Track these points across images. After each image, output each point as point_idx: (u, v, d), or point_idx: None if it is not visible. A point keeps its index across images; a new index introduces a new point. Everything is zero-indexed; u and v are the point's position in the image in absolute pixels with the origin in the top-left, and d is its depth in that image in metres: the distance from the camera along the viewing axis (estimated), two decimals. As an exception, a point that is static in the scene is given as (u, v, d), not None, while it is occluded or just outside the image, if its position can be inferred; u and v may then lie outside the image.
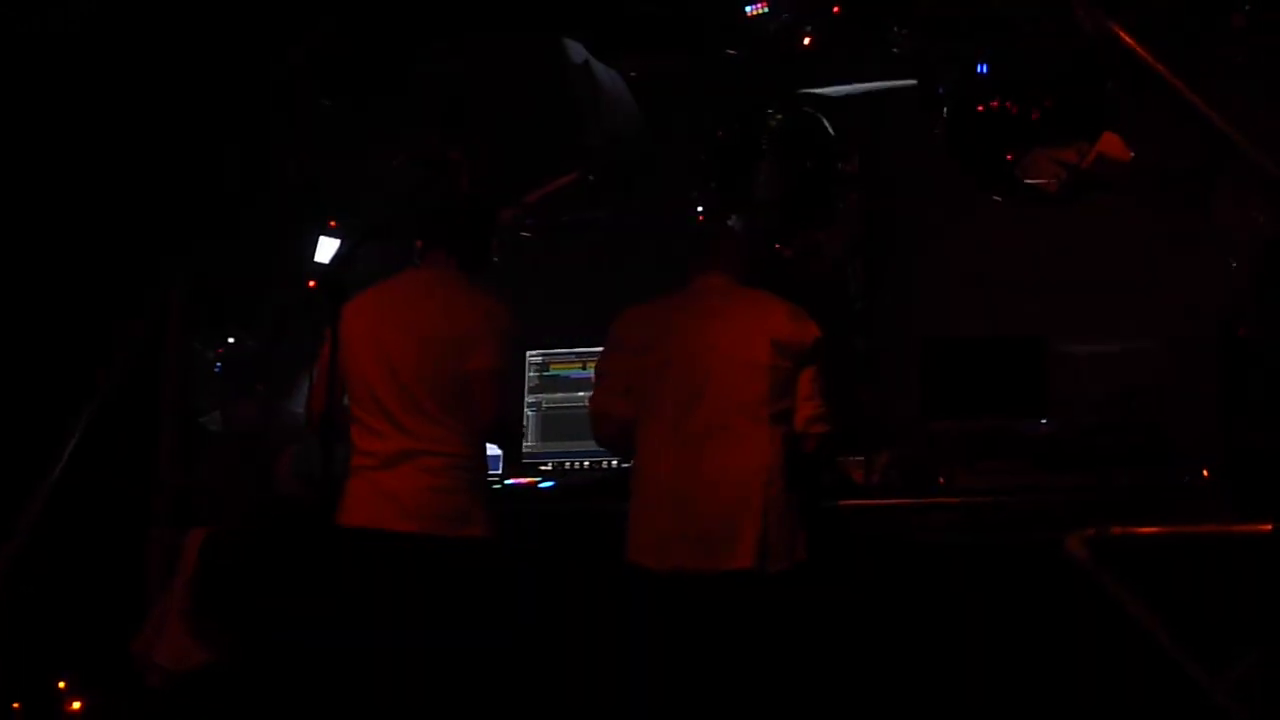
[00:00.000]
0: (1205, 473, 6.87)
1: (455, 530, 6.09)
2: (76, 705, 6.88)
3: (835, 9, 6.99)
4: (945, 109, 7.24)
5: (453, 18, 7.41)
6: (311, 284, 6.12)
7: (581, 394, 7.14)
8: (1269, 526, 6.17)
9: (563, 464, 7.57)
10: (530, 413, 7.62)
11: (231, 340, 7.69)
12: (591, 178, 7.65)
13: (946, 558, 6.84)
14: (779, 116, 7.83)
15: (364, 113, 7.61)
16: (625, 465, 6.88)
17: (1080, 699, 6.69)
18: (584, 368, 7.34)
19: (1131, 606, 6.47)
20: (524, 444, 7.64)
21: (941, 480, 6.94)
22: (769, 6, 6.96)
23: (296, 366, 7.29)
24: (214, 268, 7.57)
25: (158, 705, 6.98)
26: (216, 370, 7.68)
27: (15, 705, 6.81)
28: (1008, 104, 7.10)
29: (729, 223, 7.17)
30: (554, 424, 7.48)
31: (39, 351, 7.38)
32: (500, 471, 7.25)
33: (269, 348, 7.73)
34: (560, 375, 7.53)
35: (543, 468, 7.57)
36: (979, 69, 7.14)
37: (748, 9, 6.99)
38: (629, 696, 6.20)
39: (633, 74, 7.71)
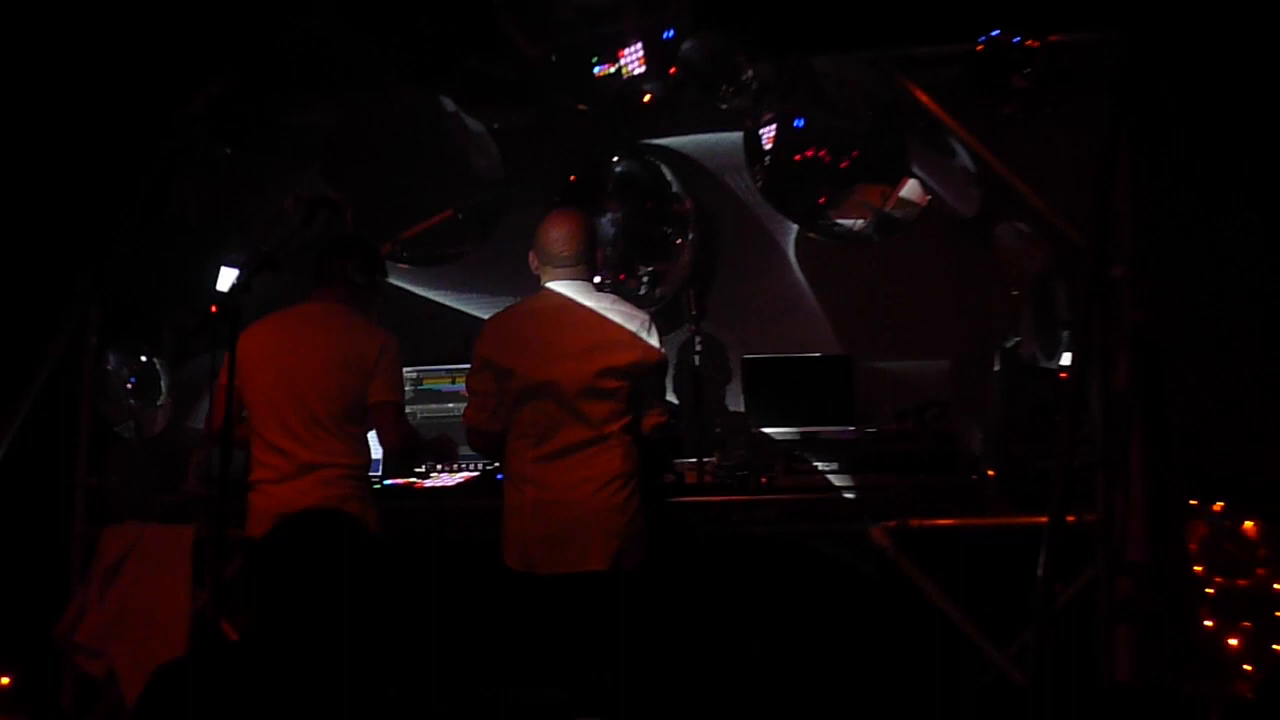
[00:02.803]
0: (990, 473, 7.03)
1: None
2: (4, 681, 6.87)
3: (672, 70, 6.99)
4: (767, 158, 7.33)
5: (331, 75, 7.38)
6: (213, 309, 6.06)
7: (451, 405, 7.18)
8: (1044, 518, 6.32)
9: (434, 466, 7.55)
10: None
11: (143, 358, 7.63)
12: (460, 215, 7.68)
13: (769, 546, 7.02)
14: (622, 163, 7.90)
15: (258, 156, 7.59)
16: (489, 466, 7.01)
17: (882, 668, 6.94)
18: (453, 382, 7.34)
19: (927, 587, 6.70)
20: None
21: (764, 480, 7.01)
22: (614, 68, 6.96)
23: (198, 382, 7.25)
24: (125, 293, 7.52)
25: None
26: (130, 384, 7.60)
27: None
28: (821, 154, 7.20)
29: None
30: (429, 430, 7.32)
31: None
32: (379, 473, 7.27)
33: (174, 365, 7.69)
34: (432, 389, 7.55)
35: (417, 470, 7.55)
36: (796, 123, 7.23)
37: (595, 69, 6.99)
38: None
39: (495, 125, 7.71)
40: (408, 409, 7.22)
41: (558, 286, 6.19)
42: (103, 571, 6.97)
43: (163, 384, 7.66)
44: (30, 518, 7.43)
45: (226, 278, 6.39)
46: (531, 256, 6.25)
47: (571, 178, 7.91)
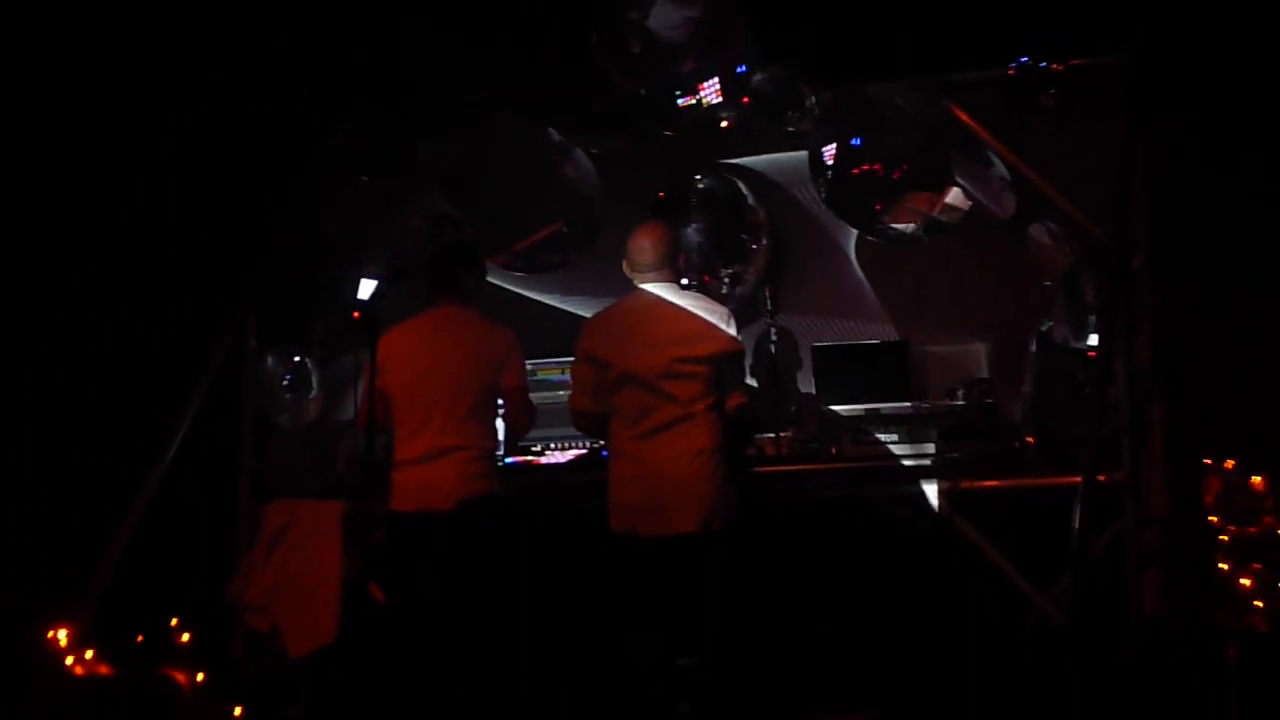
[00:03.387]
0: (1029, 440, 7.47)
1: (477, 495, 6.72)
2: (185, 637, 7.08)
3: (745, 99, 7.32)
4: (828, 173, 7.64)
5: (451, 110, 7.82)
6: (355, 315, 6.46)
7: (561, 392, 7.52)
8: (1078, 479, 6.71)
9: (548, 444, 8.06)
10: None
11: (295, 358, 8.08)
12: (565, 229, 8.04)
13: (838, 507, 7.48)
14: (704, 180, 8.30)
15: (389, 180, 7.99)
16: (595, 444, 7.51)
17: (937, 612, 7.37)
18: (562, 372, 7.74)
19: (976, 540, 7.16)
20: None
21: (833, 450, 7.52)
22: (695, 99, 7.21)
23: (345, 379, 7.60)
24: (278, 300, 7.99)
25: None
26: (285, 381, 8.06)
27: (139, 638, 7.03)
28: (876, 167, 7.53)
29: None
30: (540, 416, 7.65)
31: (151, 365, 7.94)
32: (501, 451, 7.53)
33: (323, 364, 8.14)
34: (545, 379, 7.95)
35: (533, 449, 8.04)
36: (854, 142, 7.55)
37: (679, 100, 7.24)
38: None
39: (594, 150, 8.12)
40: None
41: (647, 287, 6.67)
42: (266, 542, 7.42)
43: (313, 380, 8.10)
44: (202, 498, 7.86)
45: (366, 287, 6.53)
46: (624, 264, 6.73)
47: (660, 194, 8.28)
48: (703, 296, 6.88)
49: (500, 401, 6.93)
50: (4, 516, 7.55)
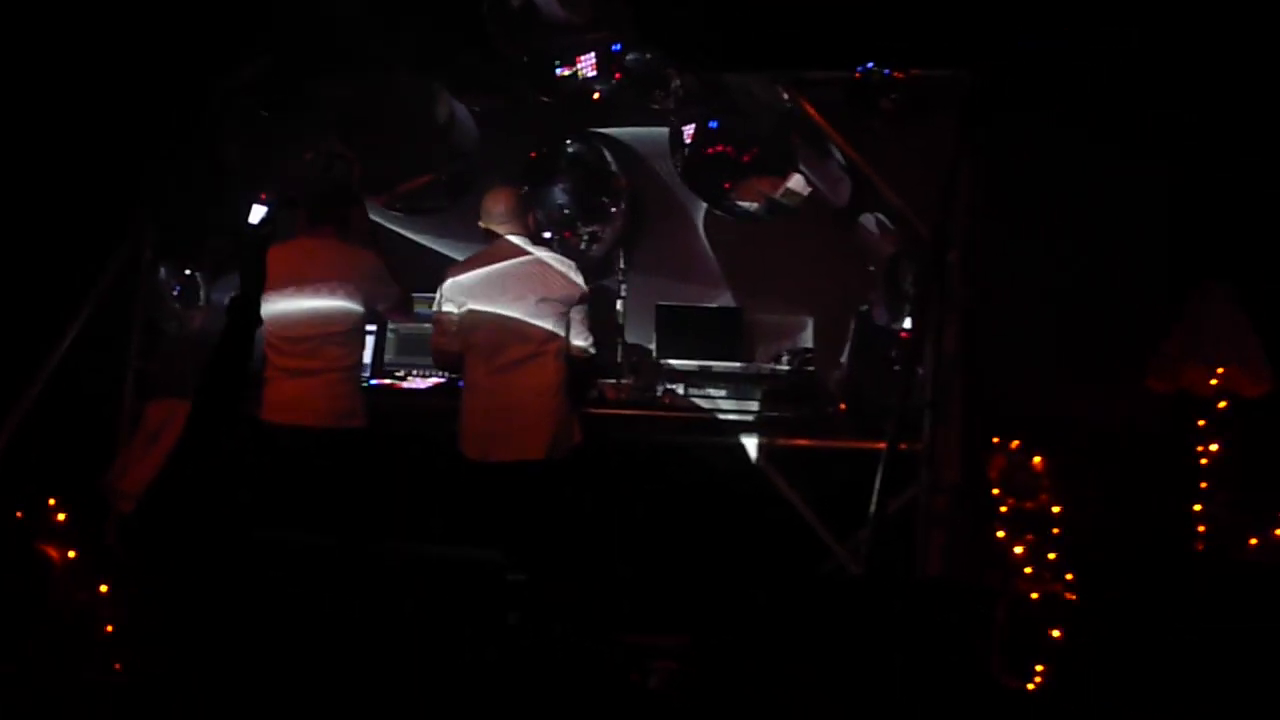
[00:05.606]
0: (842, 407, 7.59)
1: (345, 424, 6.75)
2: (61, 516, 6.96)
3: (617, 75, 7.34)
4: (686, 150, 7.69)
5: (350, 58, 7.65)
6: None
7: (427, 326, 7.28)
8: (882, 445, 6.89)
9: (411, 371, 8.04)
10: (391, 334, 8.09)
11: (187, 271, 8.00)
12: (442, 178, 8.04)
13: (667, 451, 7.45)
14: (573, 145, 8.25)
15: (287, 119, 7.88)
16: (453, 376, 7.35)
17: (745, 553, 7.35)
18: (429, 307, 7.40)
19: (787, 492, 7.32)
20: (385, 356, 8.08)
21: (666, 400, 7.60)
22: (571, 70, 7.26)
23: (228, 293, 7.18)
24: (177, 219, 7.89)
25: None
26: (175, 291, 7.97)
27: (19, 514, 6.93)
28: (728, 149, 7.59)
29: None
30: (406, 343, 8.01)
31: (56, 270, 7.80)
32: (367, 374, 7.65)
33: (212, 278, 8.06)
34: (417, 311, 7.64)
35: (397, 374, 8.04)
36: (710, 124, 7.61)
37: (556, 70, 7.30)
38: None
39: (476, 108, 8.09)
40: (392, 326, 7.93)
41: (507, 238, 6.80)
42: (145, 436, 7.25)
43: (202, 293, 8.00)
44: (89, 393, 7.79)
45: (257, 212, 6.53)
46: (481, 219, 6.89)
47: (533, 154, 8.26)
48: (551, 248, 7.05)
49: (382, 309, 7.02)
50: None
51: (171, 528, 6.30)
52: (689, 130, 7.67)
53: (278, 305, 6.73)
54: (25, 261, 7.84)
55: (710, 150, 7.64)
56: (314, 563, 6.40)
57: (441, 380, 7.78)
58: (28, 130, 7.88)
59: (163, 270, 7.98)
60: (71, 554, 6.85)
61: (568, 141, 8.27)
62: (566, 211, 8.11)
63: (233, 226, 7.17)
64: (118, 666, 6.55)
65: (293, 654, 6.06)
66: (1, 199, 7.86)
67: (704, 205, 8.25)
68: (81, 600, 6.76)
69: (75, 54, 7.86)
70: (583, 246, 8.09)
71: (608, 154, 8.29)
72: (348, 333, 6.80)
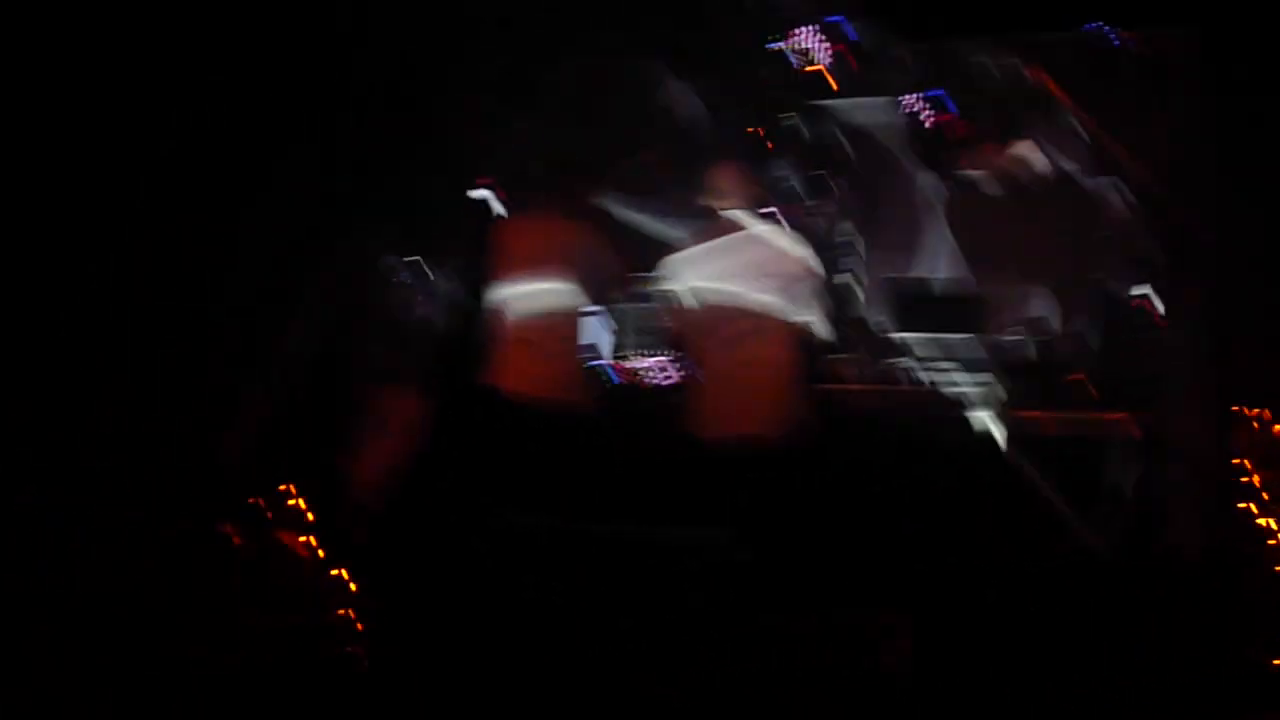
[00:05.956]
0: (1079, 377, 7.31)
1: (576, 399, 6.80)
2: (299, 503, 7.12)
3: (840, 47, 7.42)
4: (913, 121, 7.70)
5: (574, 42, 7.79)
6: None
7: (649, 305, 7.38)
8: (1123, 415, 6.77)
9: (634, 350, 7.93)
10: (615, 314, 7.90)
11: (414, 258, 8.00)
12: (664, 157, 8.06)
13: (899, 426, 7.29)
14: (796, 119, 8.20)
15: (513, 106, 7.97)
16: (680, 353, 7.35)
17: (984, 530, 7.13)
18: (653, 286, 7.29)
19: (1022, 465, 7.08)
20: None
21: (896, 374, 7.52)
22: (792, 44, 7.35)
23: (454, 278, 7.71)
24: (403, 210, 7.98)
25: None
26: (403, 279, 8.01)
27: (259, 501, 7.09)
28: (956, 118, 7.57)
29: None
30: (629, 323, 7.93)
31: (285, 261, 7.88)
32: (602, 358, 7.72)
33: (438, 264, 8.03)
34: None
35: (621, 354, 7.91)
36: (937, 93, 7.58)
37: (777, 44, 7.43)
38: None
39: (695, 86, 8.03)
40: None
41: (730, 215, 6.69)
42: (376, 423, 7.43)
43: (428, 279, 7.99)
44: (320, 382, 7.87)
45: (482, 196, 6.76)
46: (704, 195, 6.77)
47: (755, 129, 8.23)
48: (780, 225, 6.96)
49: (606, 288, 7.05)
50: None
51: (416, 513, 6.53)
52: (915, 100, 7.63)
53: (510, 287, 6.76)
54: (255, 252, 7.90)
55: (938, 120, 7.59)
56: (545, 544, 6.46)
57: (666, 359, 7.75)
58: (255, 123, 7.93)
59: (389, 258, 8.06)
60: (310, 540, 6.99)
61: (790, 115, 8.20)
62: (790, 186, 8.07)
63: (459, 211, 7.30)
64: (359, 651, 6.67)
65: (528, 636, 6.14)
66: (230, 190, 7.91)
67: (933, 175, 8.14)
68: (321, 586, 6.90)
69: (290, 46, 7.90)
70: (808, 222, 8.00)
71: (832, 127, 8.22)
72: (576, 311, 6.83)
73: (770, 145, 8.16)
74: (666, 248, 6.92)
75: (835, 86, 8.07)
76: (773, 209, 7.77)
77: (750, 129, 8.25)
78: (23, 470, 7.06)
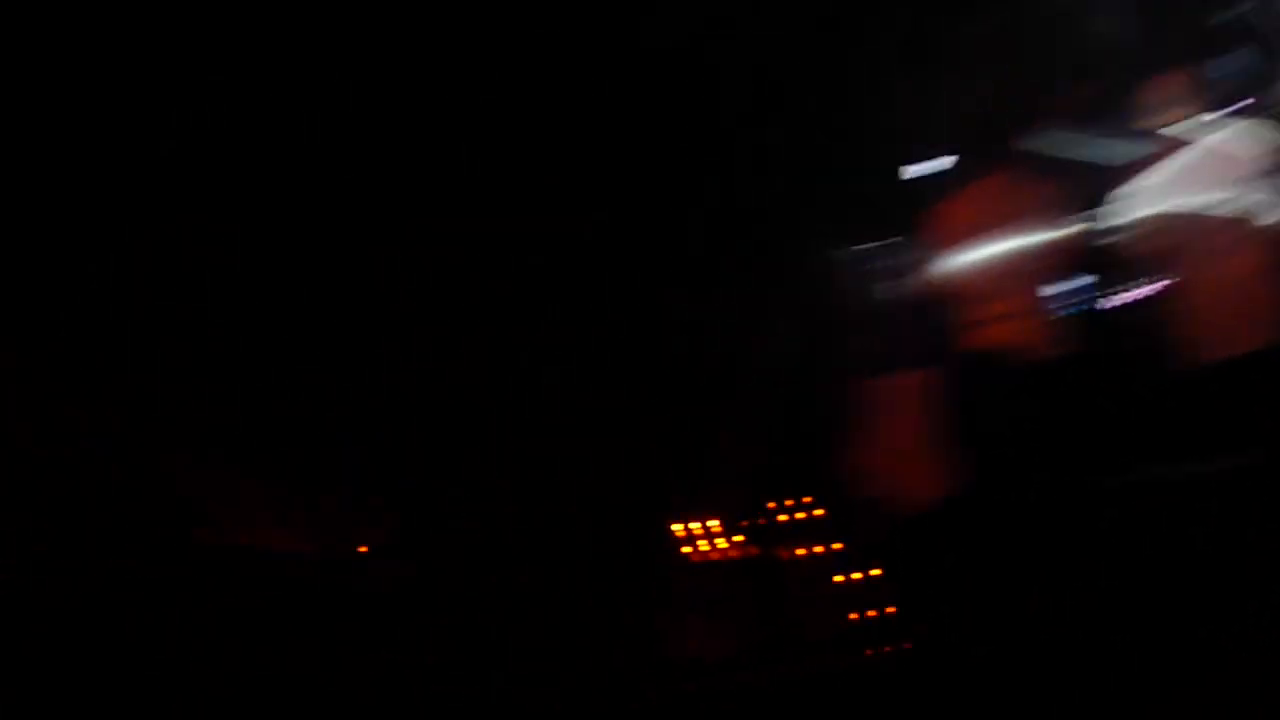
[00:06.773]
0: None
1: None
2: (819, 512, 7.24)
3: None
4: None
5: None
6: None
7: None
8: None
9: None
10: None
11: (878, 243, 7.70)
12: (1103, 86, 7.47)
13: None
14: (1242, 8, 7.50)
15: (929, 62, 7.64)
16: None
17: None
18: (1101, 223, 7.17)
19: None
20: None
21: None
22: None
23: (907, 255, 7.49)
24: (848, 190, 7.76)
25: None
26: (873, 264, 7.70)
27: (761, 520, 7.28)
28: None
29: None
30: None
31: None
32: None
33: (899, 244, 7.71)
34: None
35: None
36: None
37: None
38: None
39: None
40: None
41: (1180, 128, 6.66)
42: (874, 415, 7.28)
43: (895, 260, 7.67)
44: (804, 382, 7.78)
45: (924, 167, 6.67)
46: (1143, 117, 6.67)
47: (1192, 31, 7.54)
48: (1238, 125, 6.73)
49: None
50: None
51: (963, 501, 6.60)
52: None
53: (966, 252, 6.79)
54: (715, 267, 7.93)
55: None
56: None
57: (1138, 292, 7.27)
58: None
59: (849, 247, 7.81)
60: (801, 550, 7.02)
61: (1233, 6, 7.57)
62: (1242, 82, 7.42)
63: (902, 186, 7.17)
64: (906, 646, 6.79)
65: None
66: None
67: None
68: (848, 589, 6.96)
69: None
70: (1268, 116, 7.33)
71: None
72: (1040, 262, 6.78)
73: (1217, 43, 7.53)
74: (1122, 176, 6.74)
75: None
76: (1228, 109, 7.27)
77: (1190, 31, 7.60)
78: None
